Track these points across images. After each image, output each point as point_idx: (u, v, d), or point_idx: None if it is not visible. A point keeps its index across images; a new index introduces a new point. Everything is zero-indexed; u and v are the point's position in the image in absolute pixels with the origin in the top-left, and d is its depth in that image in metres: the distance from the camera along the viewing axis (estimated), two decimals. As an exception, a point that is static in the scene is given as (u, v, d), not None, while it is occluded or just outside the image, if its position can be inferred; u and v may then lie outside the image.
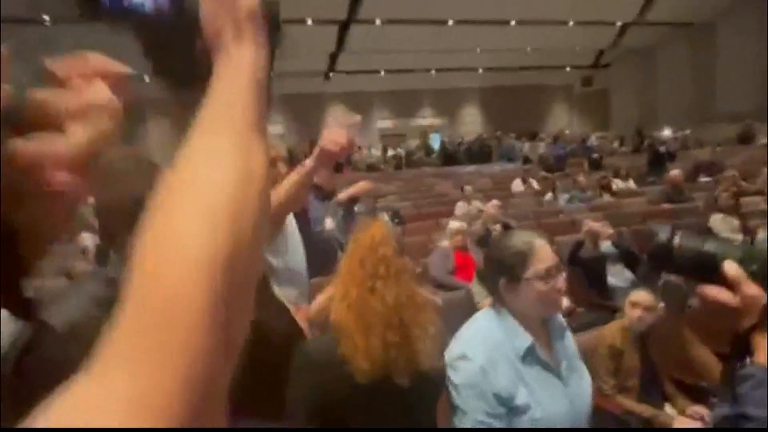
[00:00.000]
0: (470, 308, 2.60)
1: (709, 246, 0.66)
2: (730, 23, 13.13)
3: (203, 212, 0.27)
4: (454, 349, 1.18)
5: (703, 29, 13.85)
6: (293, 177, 1.21)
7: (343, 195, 2.60)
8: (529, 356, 1.16)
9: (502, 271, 1.18)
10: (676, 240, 0.66)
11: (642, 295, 2.11)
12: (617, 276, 3.18)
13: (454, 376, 1.14)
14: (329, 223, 2.60)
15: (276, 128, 16.85)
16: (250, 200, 0.30)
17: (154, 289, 0.24)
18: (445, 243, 3.60)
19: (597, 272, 3.15)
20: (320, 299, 1.49)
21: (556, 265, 1.16)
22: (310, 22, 12.37)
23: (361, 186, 2.71)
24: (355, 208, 2.81)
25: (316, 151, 1.18)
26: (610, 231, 3.19)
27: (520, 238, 1.19)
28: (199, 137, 0.32)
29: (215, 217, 0.27)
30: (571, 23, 13.71)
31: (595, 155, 10.71)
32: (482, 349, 1.14)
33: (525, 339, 1.16)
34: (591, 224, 3.26)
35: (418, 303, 1.11)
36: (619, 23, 14.23)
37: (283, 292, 1.29)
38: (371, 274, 1.08)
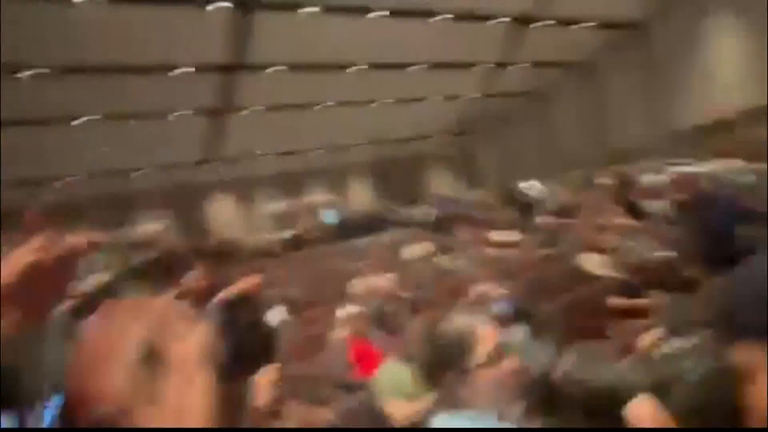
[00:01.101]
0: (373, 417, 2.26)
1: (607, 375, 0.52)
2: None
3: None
4: None
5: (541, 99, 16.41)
6: None
7: (219, 298, 2.19)
8: None
9: None
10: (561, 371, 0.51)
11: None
12: (516, 336, 3.17)
13: None
14: None
15: (156, 225, 15.54)
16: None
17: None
18: (339, 333, 3.32)
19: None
20: None
21: None
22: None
23: (249, 282, 2.30)
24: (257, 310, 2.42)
25: None
26: (501, 290, 3.21)
27: None
28: None
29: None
30: (437, 97, 15.28)
31: (474, 213, 11.57)
32: None
33: None
34: (478, 288, 3.26)
35: None
36: (475, 95, 16.17)
37: None
38: None
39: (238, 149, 14.54)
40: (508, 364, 1.07)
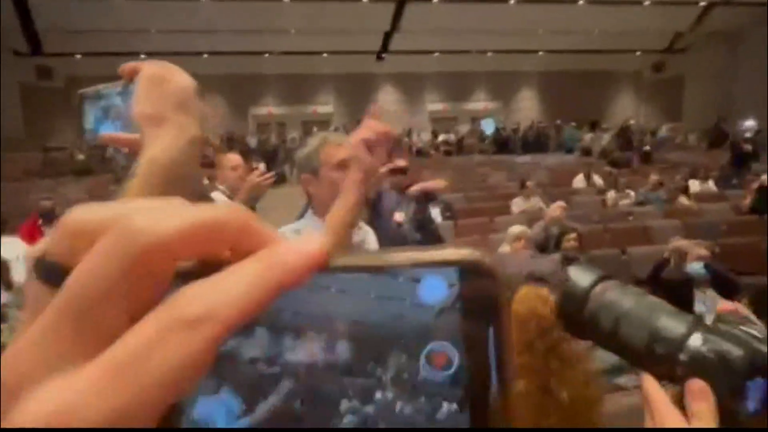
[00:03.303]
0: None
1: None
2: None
3: None
4: None
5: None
6: (342, 201, 0.95)
7: (416, 188, 2.54)
8: None
9: None
10: None
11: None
12: (706, 303, 2.76)
13: None
14: (398, 216, 2.43)
15: (325, 107, 16.78)
16: None
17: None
18: (504, 248, 3.28)
19: (682, 297, 2.74)
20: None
21: None
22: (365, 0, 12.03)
23: (437, 183, 2.81)
24: (429, 206, 2.75)
25: (354, 148, 0.92)
26: (704, 252, 2.76)
27: None
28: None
29: None
30: (646, 3, 12.52)
31: (646, 148, 10.01)
32: None
33: None
34: (679, 241, 2.84)
35: (592, 397, 0.87)
36: (703, 3, 12.86)
37: None
38: (543, 366, 0.85)
39: (410, 44, 14.26)
40: None
